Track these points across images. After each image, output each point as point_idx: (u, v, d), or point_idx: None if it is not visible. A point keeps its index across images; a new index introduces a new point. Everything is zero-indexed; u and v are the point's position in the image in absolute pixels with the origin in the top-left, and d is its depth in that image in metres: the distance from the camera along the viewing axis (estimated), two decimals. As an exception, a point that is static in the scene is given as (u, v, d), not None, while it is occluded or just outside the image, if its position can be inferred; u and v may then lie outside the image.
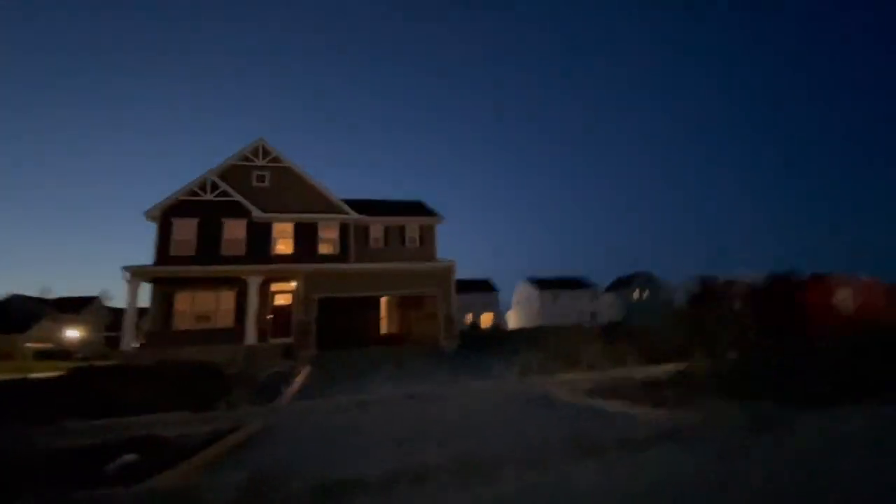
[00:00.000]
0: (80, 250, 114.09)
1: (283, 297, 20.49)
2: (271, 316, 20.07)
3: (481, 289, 52.30)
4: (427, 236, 23.81)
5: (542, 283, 55.81)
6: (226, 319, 19.51)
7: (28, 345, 46.82)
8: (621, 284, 59.87)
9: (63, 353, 43.73)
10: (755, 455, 4.39)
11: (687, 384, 7.82)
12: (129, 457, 4.98)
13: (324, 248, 21.72)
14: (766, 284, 16.74)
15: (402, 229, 23.51)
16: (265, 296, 19.85)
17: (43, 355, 43.04)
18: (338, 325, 19.85)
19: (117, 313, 48.96)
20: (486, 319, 49.43)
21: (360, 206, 24.15)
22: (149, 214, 19.82)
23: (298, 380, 11.75)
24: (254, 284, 18.73)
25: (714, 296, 19.41)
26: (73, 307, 56.04)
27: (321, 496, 3.88)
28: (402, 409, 7.96)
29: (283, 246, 21.37)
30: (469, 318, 47.73)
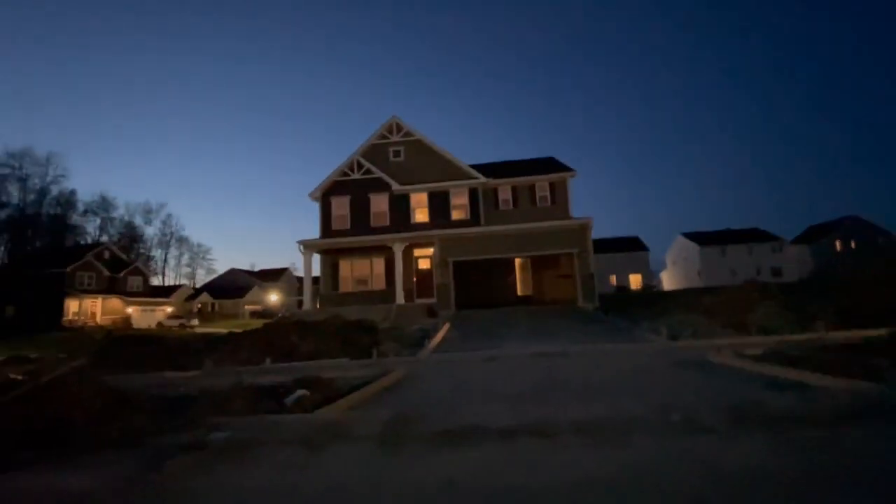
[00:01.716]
0: (266, 228, 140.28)
1: (424, 261, 22.03)
2: (415, 279, 21.82)
3: (628, 248, 47.97)
4: (559, 193, 22.63)
5: (703, 238, 48.45)
6: (378, 282, 21.94)
7: (246, 307, 60.78)
8: (817, 233, 48.27)
9: (269, 312, 55.64)
10: None
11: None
12: (302, 392, 6.01)
13: (456, 214, 22.47)
14: None
15: (532, 188, 22.79)
16: (409, 260, 21.60)
17: (255, 315, 55.49)
18: (474, 286, 20.57)
19: (301, 280, 59.45)
20: (635, 281, 45.43)
21: (489, 169, 24.08)
22: (312, 195, 23.12)
23: (439, 335, 12.59)
24: (398, 251, 20.51)
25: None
26: (272, 277, 70.17)
27: (446, 438, 4.07)
28: (532, 366, 7.88)
29: (421, 214, 22.77)
30: (613, 279, 44.56)
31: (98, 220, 67.24)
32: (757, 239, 47.12)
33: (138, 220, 71.36)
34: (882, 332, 7.39)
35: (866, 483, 2.71)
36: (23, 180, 58.35)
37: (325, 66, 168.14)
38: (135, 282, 51.98)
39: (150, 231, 73.75)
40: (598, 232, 21.19)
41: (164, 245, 75.98)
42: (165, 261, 76.42)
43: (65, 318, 42.18)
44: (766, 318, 10.46)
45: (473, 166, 23.54)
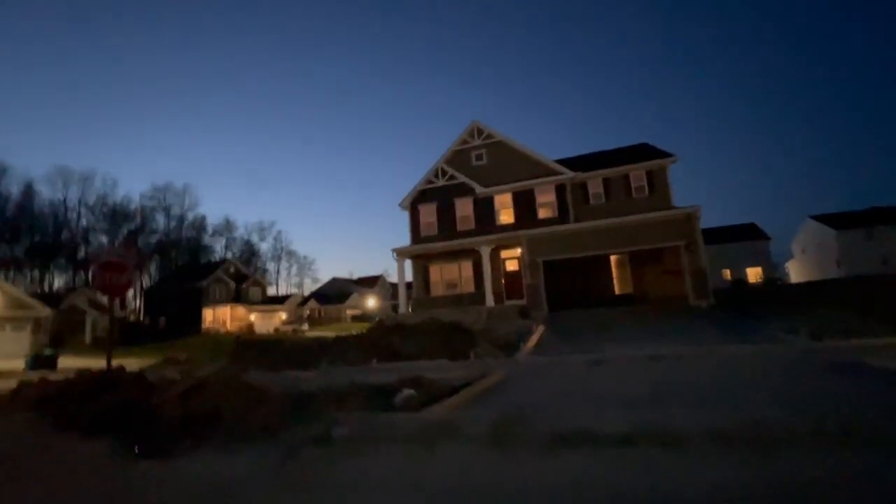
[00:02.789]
0: (362, 237, 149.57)
1: (512, 262, 21.79)
2: (503, 281, 21.67)
3: (744, 237, 42.53)
4: (658, 181, 20.87)
5: (841, 220, 41.21)
6: (468, 285, 22.19)
7: (347, 311, 65.60)
8: None
9: (368, 316, 59.50)
10: None
11: None
12: (409, 392, 6.26)
13: (543, 212, 21.89)
14: None
15: (625, 178, 21.34)
16: (497, 262, 21.53)
17: (356, 318, 59.65)
18: (567, 286, 19.81)
19: (397, 286, 62.59)
20: (754, 274, 40.13)
21: (577, 162, 23.10)
22: (401, 205, 24.21)
23: (533, 337, 12.33)
24: (485, 253, 20.57)
25: None
26: (368, 283, 74.90)
27: (558, 441, 3.94)
28: (640, 369, 7.32)
29: (506, 215, 22.58)
30: (728, 273, 39.83)
31: (223, 240, 77.75)
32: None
33: (254, 238, 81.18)
34: None
35: None
36: (166, 210, 69.86)
37: (400, 72, 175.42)
38: (255, 292, 58.84)
39: (264, 247, 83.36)
40: (707, 221, 19.18)
41: (276, 258, 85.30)
42: (278, 272, 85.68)
43: (202, 326, 49.14)
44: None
45: (560, 161, 22.75)
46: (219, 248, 76.86)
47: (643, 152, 22.38)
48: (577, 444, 3.93)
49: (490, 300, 20.18)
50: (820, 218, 42.94)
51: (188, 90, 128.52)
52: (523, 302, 19.77)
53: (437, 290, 22.88)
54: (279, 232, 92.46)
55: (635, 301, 19.02)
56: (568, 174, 21.68)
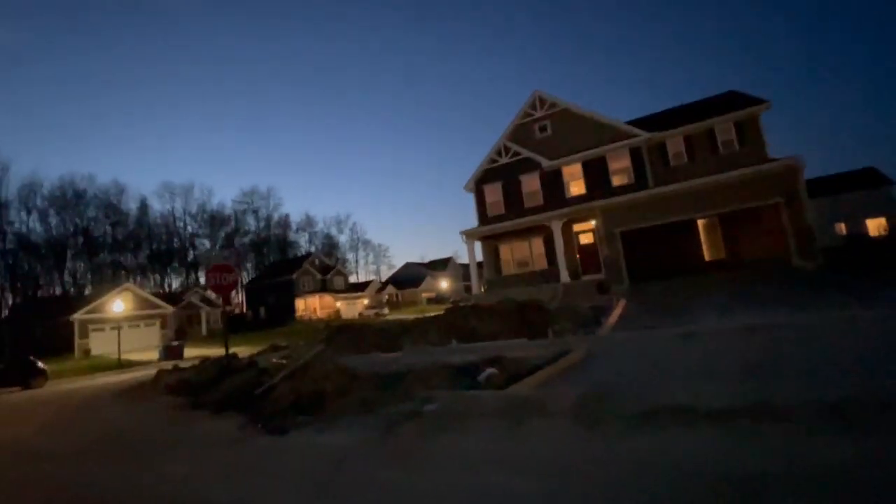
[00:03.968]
0: (431, 220, 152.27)
1: (586, 235, 20.99)
2: (578, 255, 20.98)
3: (861, 184, 36.66)
4: (749, 132, 18.65)
5: None
6: (540, 262, 21.81)
7: (423, 294, 67.91)
8: None
9: (441, 298, 61.15)
10: None
11: None
12: (491, 370, 6.46)
13: (617, 180, 20.66)
14: None
15: (710, 133, 19.35)
16: (569, 237, 20.87)
17: (430, 301, 61.60)
18: (649, 256, 18.67)
19: (467, 267, 63.41)
20: (875, 226, 34.58)
21: (653, 121, 21.39)
22: (466, 187, 24.25)
23: (615, 312, 11.91)
24: (556, 228, 20.01)
25: None
26: (440, 266, 76.65)
27: (648, 417, 3.87)
28: (734, 342, 6.81)
29: (576, 187, 21.68)
30: (843, 227, 34.80)
31: (307, 235, 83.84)
32: None
33: (333, 231, 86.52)
34: None
35: None
36: (255, 212, 76.89)
37: (459, 52, 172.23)
38: (338, 281, 62.92)
39: (343, 238, 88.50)
40: (814, 170, 16.86)
41: (354, 248, 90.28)
42: (356, 261, 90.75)
43: (296, 314, 53.77)
44: None
45: (635, 122, 21.23)
46: (303, 243, 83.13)
47: (729, 101, 20.03)
48: (669, 419, 3.83)
49: (565, 276, 19.70)
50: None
51: (258, 96, 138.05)
52: (601, 276, 19.04)
53: (509, 268, 22.79)
54: (354, 223, 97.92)
55: (728, 267, 17.42)
56: (643, 135, 20.13)
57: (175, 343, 26.90)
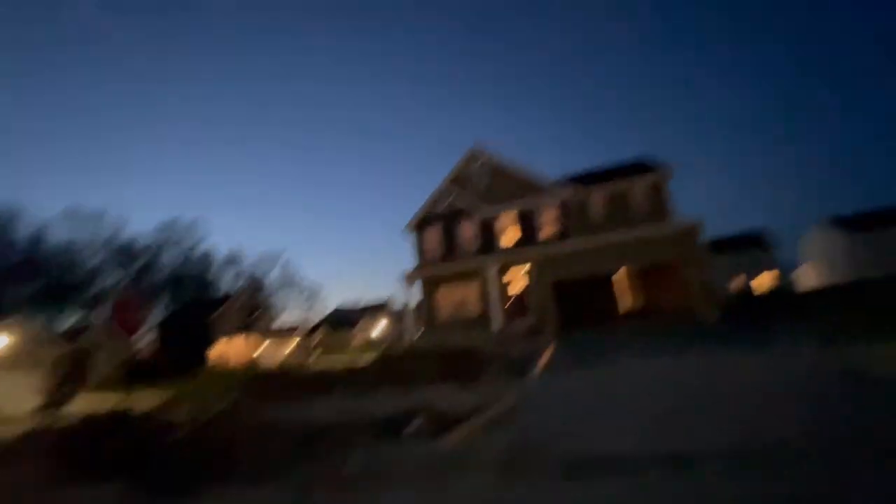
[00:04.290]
0: (368, 263, 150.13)
1: (518, 282, 21.75)
2: (510, 301, 21.58)
3: (750, 245, 42.18)
4: (657, 195, 20.97)
5: (849, 223, 40.77)
6: (475, 307, 22.09)
7: (356, 338, 65.45)
8: None
9: (376, 342, 59.24)
10: None
11: None
12: (420, 421, 6.24)
13: (546, 231, 21.98)
14: None
15: (624, 194, 21.47)
16: (503, 283, 21.51)
17: (365, 345, 59.47)
18: (574, 303, 19.69)
19: (404, 310, 62.52)
20: (762, 282, 39.64)
21: (579, 180, 23.31)
22: (406, 229, 24.44)
23: (544, 358, 12.23)
24: (490, 274, 20.58)
25: None
26: (376, 309, 74.92)
27: (573, 468, 3.91)
28: (649, 387, 7.25)
29: (510, 235, 22.69)
30: (735, 283, 39.40)
31: (232, 272, 78.40)
32: (926, 217, 38.43)
33: (262, 268, 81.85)
34: None
35: None
36: (174, 244, 70.94)
37: (399, 96, 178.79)
38: (265, 322, 58.91)
39: (272, 276, 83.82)
40: (712, 230, 19.18)
41: (285, 288, 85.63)
42: (286, 302, 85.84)
43: (214, 358, 49.14)
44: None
45: (560, 178, 22.97)
46: (228, 280, 77.50)
47: (641, 167, 22.57)
48: (592, 470, 3.91)
49: (498, 322, 20.08)
50: (830, 221, 42.59)
51: (189, 117, 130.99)
52: (531, 322, 19.64)
53: (445, 313, 22.82)
54: (287, 261, 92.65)
55: (643, 316, 18.84)
56: (568, 192, 21.85)
57: (62, 392, 23.14)
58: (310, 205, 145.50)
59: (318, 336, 66.39)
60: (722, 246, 39.90)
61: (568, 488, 3.62)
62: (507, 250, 21.89)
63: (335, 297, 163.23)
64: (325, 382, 13.16)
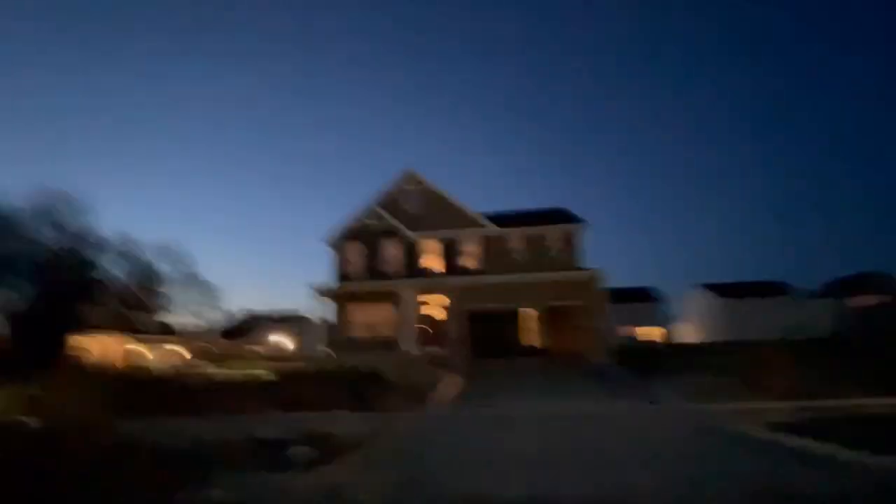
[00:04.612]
0: (280, 270, 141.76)
1: (435, 309, 21.96)
2: (424, 327, 21.65)
3: (640, 299, 47.08)
4: (570, 244, 22.73)
5: (722, 290, 47.22)
6: (390, 329, 21.80)
7: (256, 348, 60.70)
8: (840, 289, 46.85)
9: (281, 356, 55.30)
10: None
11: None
12: (303, 448, 5.90)
13: (468, 263, 22.63)
14: None
15: (542, 238, 22.97)
16: (420, 308, 21.56)
17: (268, 358, 55.16)
18: (486, 335, 20.30)
19: (315, 325, 59.49)
20: (650, 333, 44.29)
21: (500, 219, 24.45)
22: (328, 241, 23.65)
23: (447, 388, 12.35)
24: (409, 298, 20.56)
25: None
26: (284, 320, 70.46)
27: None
28: (542, 429, 7.64)
29: (432, 262, 23.00)
30: (627, 330, 43.54)
31: (115, 258, 69.15)
32: (777, 293, 45.99)
33: (152, 258, 73.11)
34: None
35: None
36: (49, 220, 61.13)
37: (331, 107, 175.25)
38: (149, 321, 52.57)
39: (164, 269, 75.22)
40: (613, 281, 21.10)
41: (177, 284, 77.26)
42: (178, 300, 77.45)
43: (81, 357, 42.51)
44: (794, 381, 10.00)
45: (485, 215, 23.96)
46: (108, 267, 68.34)
47: (559, 216, 24.40)
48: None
49: (411, 346, 19.96)
50: (705, 286, 49.12)
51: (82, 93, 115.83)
52: (443, 350, 19.81)
53: (358, 331, 22.20)
54: (182, 255, 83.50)
55: (546, 354, 19.96)
56: (493, 228, 22.87)
57: None
58: (216, 203, 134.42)
59: (215, 341, 60.67)
60: (615, 296, 44.03)
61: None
62: (428, 277, 22.08)
63: (239, 302, 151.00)
64: (209, 396, 11.99)
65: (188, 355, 49.37)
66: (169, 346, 51.61)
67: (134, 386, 14.62)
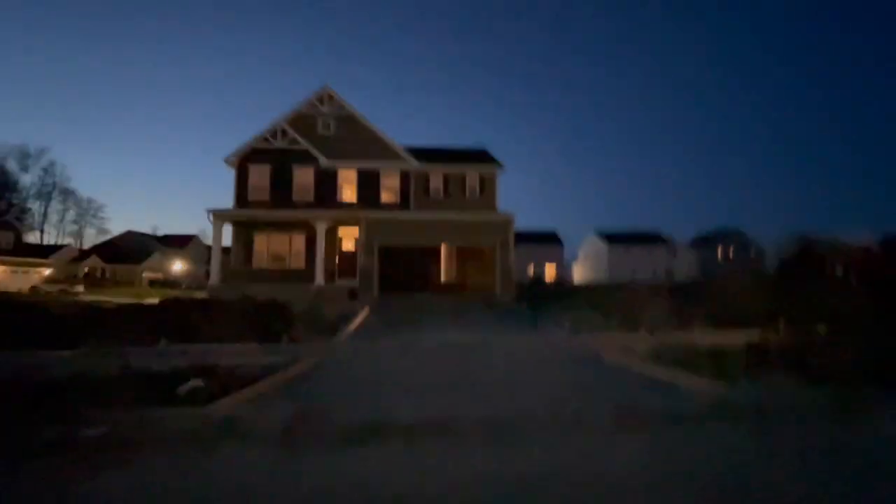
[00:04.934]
0: (169, 189, 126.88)
1: (348, 242, 21.45)
2: (338, 260, 21.20)
3: (546, 241, 50.90)
4: (488, 186, 23.20)
5: (611, 237, 53.02)
6: (298, 261, 20.97)
7: (144, 274, 54.89)
8: (703, 241, 55.22)
9: (172, 282, 50.71)
10: (825, 448, 3.85)
11: (762, 357, 7.06)
12: (196, 382, 5.60)
13: (385, 197, 22.10)
14: (884, 248, 14.39)
15: (462, 178, 23.09)
16: (332, 240, 20.90)
17: (156, 284, 50.30)
18: (400, 271, 20.51)
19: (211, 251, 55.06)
20: (550, 272, 48.52)
21: (422, 154, 23.92)
22: (228, 160, 21.28)
23: (356, 321, 12.46)
24: (321, 229, 19.73)
25: (813, 259, 17.14)
26: (177, 243, 63.94)
27: (349, 437, 4.07)
28: (444, 357, 8.14)
29: (348, 193, 22.04)
30: (531, 270, 47.11)
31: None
32: (655, 241, 52.68)
33: (11, 166, 60.65)
34: (745, 336, 8.71)
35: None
36: None
37: (253, 22, 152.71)
38: (3, 237, 44.48)
39: (27, 179, 63.04)
40: (521, 223, 22.29)
41: (45, 197, 65.53)
42: (45, 216, 66.10)
43: None
44: (656, 317, 11.78)
45: (406, 148, 23.21)
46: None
47: (480, 157, 24.55)
48: (366, 439, 4.10)
49: (320, 279, 19.51)
50: (598, 233, 54.53)
51: None
52: (355, 283, 19.71)
53: (262, 261, 21.02)
54: (52, 163, 69.89)
55: (457, 290, 20.91)
56: (413, 163, 22.29)
57: None
58: (97, 100, 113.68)
59: (90, 263, 53.57)
60: (525, 238, 47.03)
61: (338, 457, 3.73)
62: (342, 207, 21.23)
63: (125, 222, 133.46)
64: (88, 325, 10.75)
65: (60, 278, 43.27)
66: (35, 268, 44.66)
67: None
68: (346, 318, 13.24)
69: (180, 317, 10.02)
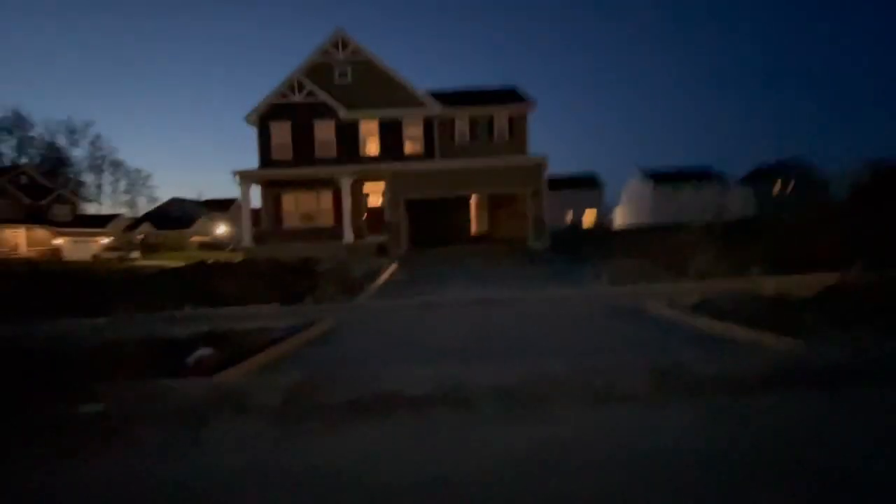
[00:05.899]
0: (214, 153, 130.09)
1: (375, 196, 20.96)
2: (365, 216, 20.84)
3: (585, 185, 48.23)
4: (518, 127, 21.58)
5: (656, 176, 49.40)
6: (326, 218, 20.81)
7: (193, 238, 57.63)
8: (760, 176, 50.44)
9: (218, 244, 53.08)
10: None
11: (835, 305, 6.02)
12: (205, 350, 5.37)
13: (409, 147, 21.11)
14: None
15: (490, 121, 21.54)
16: (358, 195, 20.45)
17: (204, 246, 52.82)
18: (428, 224, 19.96)
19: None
20: (590, 216, 46.32)
21: (446, 97, 22.42)
22: (248, 119, 20.83)
23: (383, 277, 12.13)
24: (345, 185, 19.26)
25: (892, 186, 15.05)
26: (220, 206, 66.19)
27: (355, 412, 3.65)
28: (472, 314, 7.60)
29: (371, 146, 21.22)
30: (569, 216, 45.18)
31: (13, 141, 59.45)
32: (705, 179, 48.65)
33: (62, 141, 63.66)
34: (814, 280, 7.56)
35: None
36: None
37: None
38: (62, 210, 47.50)
39: (78, 153, 66.34)
40: (556, 166, 20.86)
41: (97, 170, 68.99)
42: (100, 187, 69.93)
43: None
44: (707, 263, 10.62)
45: (429, 92, 21.79)
46: (7, 151, 58.87)
47: (509, 95, 22.67)
48: (372, 413, 3.68)
49: (349, 236, 19.30)
50: (642, 172, 50.93)
51: None
52: (383, 238, 19.39)
53: (292, 221, 21.01)
54: (98, 136, 72.54)
55: (488, 241, 20.18)
56: (437, 108, 20.94)
57: None
58: (139, 75, 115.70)
59: (143, 230, 56.66)
60: (562, 182, 44.75)
61: (340, 432, 3.33)
62: (366, 161, 20.53)
63: (171, 189, 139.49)
64: (128, 289, 11.04)
65: (118, 245, 46.12)
66: (93, 238, 47.73)
67: (45, 279, 13.25)
68: (373, 274, 12.95)
69: (206, 281, 10.00)
